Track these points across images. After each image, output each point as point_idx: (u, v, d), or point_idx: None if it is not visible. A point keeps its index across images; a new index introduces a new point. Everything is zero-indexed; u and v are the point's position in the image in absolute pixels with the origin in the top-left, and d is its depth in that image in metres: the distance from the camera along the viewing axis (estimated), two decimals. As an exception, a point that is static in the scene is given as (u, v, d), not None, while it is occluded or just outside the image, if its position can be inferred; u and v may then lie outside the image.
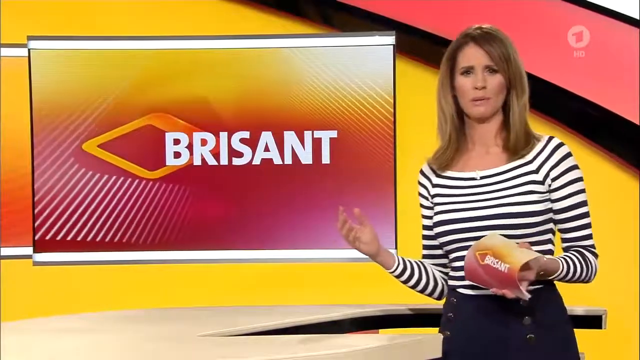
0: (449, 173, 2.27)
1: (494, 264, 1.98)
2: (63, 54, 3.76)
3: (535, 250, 2.06)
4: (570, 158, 2.19)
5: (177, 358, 2.29)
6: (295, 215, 3.75)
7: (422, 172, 2.34)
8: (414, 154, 4.18)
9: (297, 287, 4.13)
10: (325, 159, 3.77)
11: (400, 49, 3.79)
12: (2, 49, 3.85)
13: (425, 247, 2.35)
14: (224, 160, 3.81)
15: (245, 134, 3.80)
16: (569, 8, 3.93)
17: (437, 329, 2.36)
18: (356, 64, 3.71)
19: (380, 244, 2.28)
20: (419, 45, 4.06)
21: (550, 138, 2.20)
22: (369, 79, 3.71)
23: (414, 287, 2.33)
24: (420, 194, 2.34)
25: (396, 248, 3.65)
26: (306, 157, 3.78)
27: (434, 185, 2.29)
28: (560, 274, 2.11)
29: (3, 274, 3.88)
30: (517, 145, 2.18)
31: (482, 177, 2.20)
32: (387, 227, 3.65)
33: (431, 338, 2.28)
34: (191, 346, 2.38)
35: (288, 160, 3.79)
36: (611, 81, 3.93)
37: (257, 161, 3.80)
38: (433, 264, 2.34)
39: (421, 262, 2.34)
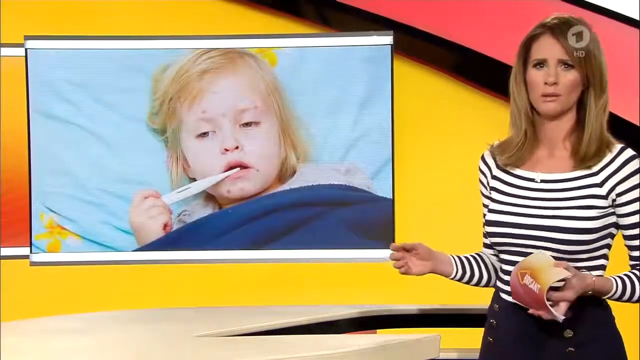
0: (509, 168, 2.13)
1: (530, 284, 1.91)
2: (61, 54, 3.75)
3: (585, 267, 1.99)
4: None
5: (176, 358, 2.30)
6: (295, 215, 3.73)
7: (483, 159, 2.19)
8: (412, 154, 4.21)
9: (297, 287, 4.12)
10: (325, 159, 3.76)
11: (397, 49, 3.78)
12: (1, 48, 3.85)
13: (485, 235, 2.20)
14: (223, 159, 3.79)
15: (244, 134, 3.79)
16: (569, 8, 3.92)
17: (437, 328, 2.36)
18: (354, 64, 3.68)
19: (436, 257, 2.16)
20: (416, 45, 4.06)
21: (623, 149, 2.04)
22: (367, 79, 3.68)
23: (475, 285, 2.24)
24: (480, 181, 2.20)
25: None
26: (306, 157, 3.77)
27: (493, 177, 2.16)
28: (613, 295, 2.02)
29: (2, 274, 3.88)
30: (587, 151, 2.02)
31: (542, 181, 2.07)
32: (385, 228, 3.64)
33: (429, 338, 2.28)
34: (190, 346, 2.38)
35: (288, 160, 3.78)
36: (611, 81, 3.91)
37: (256, 160, 3.79)
38: (492, 254, 2.22)
39: (479, 256, 2.23)
